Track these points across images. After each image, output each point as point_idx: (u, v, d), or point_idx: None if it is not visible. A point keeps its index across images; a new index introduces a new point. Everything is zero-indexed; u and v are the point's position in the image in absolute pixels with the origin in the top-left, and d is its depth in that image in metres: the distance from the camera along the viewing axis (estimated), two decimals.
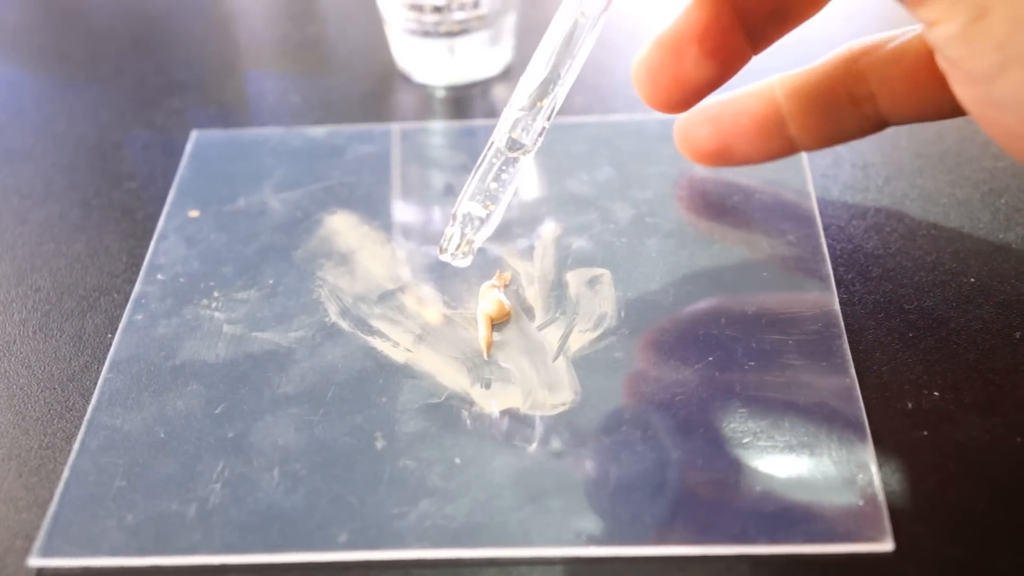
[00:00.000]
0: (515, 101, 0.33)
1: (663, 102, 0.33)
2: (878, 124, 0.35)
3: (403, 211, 0.40)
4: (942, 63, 0.27)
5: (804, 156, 0.40)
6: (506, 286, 0.36)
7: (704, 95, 0.33)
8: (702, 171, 0.40)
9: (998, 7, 0.25)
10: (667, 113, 0.34)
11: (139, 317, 0.36)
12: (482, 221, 0.34)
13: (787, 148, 0.36)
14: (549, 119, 0.33)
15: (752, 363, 0.33)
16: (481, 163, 0.34)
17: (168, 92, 0.48)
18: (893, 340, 0.33)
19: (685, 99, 0.33)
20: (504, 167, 0.33)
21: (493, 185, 0.34)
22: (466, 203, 0.34)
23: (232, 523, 0.29)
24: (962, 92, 0.27)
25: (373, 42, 0.50)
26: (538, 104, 0.33)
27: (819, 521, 0.28)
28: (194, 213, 0.40)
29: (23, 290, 0.38)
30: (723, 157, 0.37)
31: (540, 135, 0.33)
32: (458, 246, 0.34)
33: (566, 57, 0.32)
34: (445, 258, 0.35)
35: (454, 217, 0.34)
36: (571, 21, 0.32)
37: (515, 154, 0.33)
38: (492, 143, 0.33)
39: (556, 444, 0.31)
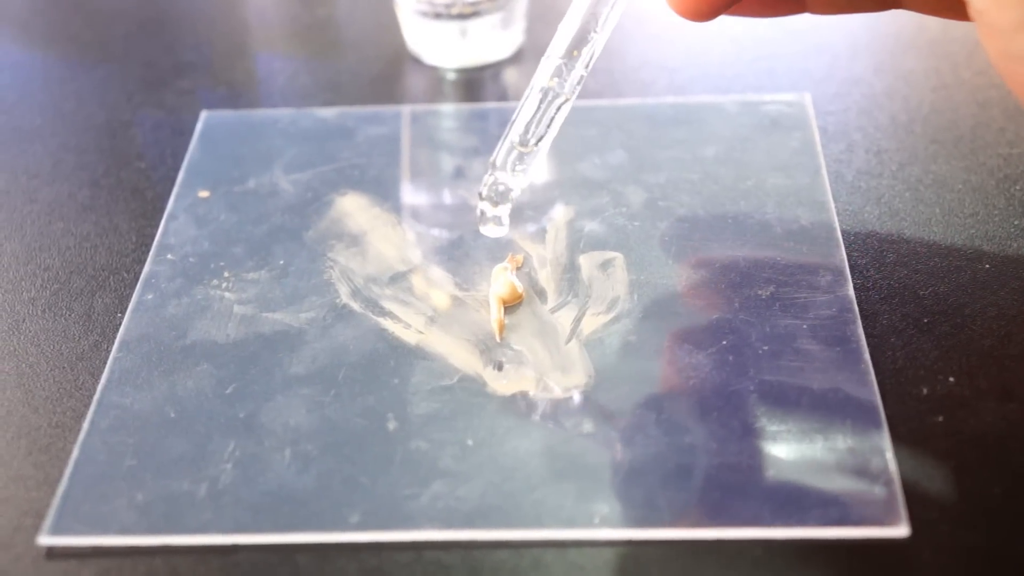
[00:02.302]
0: (553, 50, 0.33)
1: (690, 10, 0.33)
2: (892, 5, 0.34)
3: (413, 193, 0.40)
4: (971, 13, 0.28)
5: (818, 140, 0.40)
6: (518, 268, 0.36)
7: (732, 4, 0.33)
8: (715, 156, 0.40)
9: None
10: (692, 21, 0.33)
11: (149, 297, 0.36)
12: (516, 169, 0.34)
13: (794, 9, 0.35)
14: (588, 67, 0.33)
15: (766, 347, 0.32)
16: (519, 113, 0.33)
17: (178, 72, 0.48)
18: (908, 326, 0.33)
19: (712, 9, 0.33)
20: (542, 117, 0.33)
21: (520, 153, 0.33)
22: (502, 157, 0.34)
23: (243, 503, 0.29)
24: (987, 44, 0.28)
25: (384, 24, 0.50)
26: (575, 53, 0.33)
27: (833, 505, 0.28)
28: (204, 193, 0.40)
29: (32, 269, 0.38)
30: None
31: (579, 84, 0.33)
32: (496, 194, 0.34)
33: (604, 4, 0.32)
34: (483, 205, 0.34)
35: (493, 165, 0.34)
36: None
37: (553, 104, 0.33)
38: (530, 91, 0.33)
39: (569, 427, 0.31)
